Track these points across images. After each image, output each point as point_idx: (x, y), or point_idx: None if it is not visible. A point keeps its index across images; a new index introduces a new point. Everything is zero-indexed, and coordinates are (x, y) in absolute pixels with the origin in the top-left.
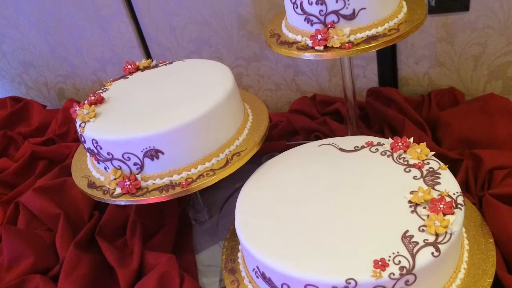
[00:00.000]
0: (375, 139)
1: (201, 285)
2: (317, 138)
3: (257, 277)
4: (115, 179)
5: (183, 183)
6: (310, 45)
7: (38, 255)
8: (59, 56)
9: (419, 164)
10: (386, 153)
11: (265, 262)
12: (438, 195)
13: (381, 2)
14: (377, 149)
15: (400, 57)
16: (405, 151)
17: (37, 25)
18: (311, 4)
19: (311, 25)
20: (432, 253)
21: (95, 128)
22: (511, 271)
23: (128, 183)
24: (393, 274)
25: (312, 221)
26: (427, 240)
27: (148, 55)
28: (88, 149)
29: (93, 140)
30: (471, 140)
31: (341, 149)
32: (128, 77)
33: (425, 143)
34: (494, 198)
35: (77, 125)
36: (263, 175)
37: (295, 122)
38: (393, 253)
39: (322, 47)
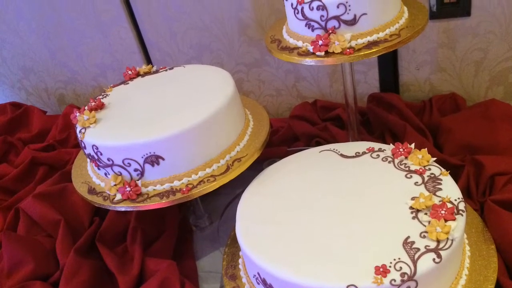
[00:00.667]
0: (376, 145)
1: None
2: (318, 144)
3: (258, 283)
4: (115, 185)
5: (184, 189)
6: (311, 50)
7: (38, 261)
8: (59, 61)
9: (421, 170)
10: (387, 159)
11: (266, 268)
12: (440, 201)
13: (382, 8)
14: (378, 155)
15: (401, 62)
16: (406, 157)
17: (37, 30)
18: (312, 9)
19: (312, 30)
20: (434, 259)
21: (96, 134)
22: None
23: (128, 189)
24: (394, 280)
25: (313, 227)
26: (429, 246)
27: (148, 61)
28: (89, 155)
29: (93, 146)
30: (472, 146)
31: (342, 155)
32: (128, 83)
33: (426, 149)
34: (495, 204)
35: (77, 131)
36: (263, 181)
37: (296, 128)
38: (394, 259)
39: (323, 53)
